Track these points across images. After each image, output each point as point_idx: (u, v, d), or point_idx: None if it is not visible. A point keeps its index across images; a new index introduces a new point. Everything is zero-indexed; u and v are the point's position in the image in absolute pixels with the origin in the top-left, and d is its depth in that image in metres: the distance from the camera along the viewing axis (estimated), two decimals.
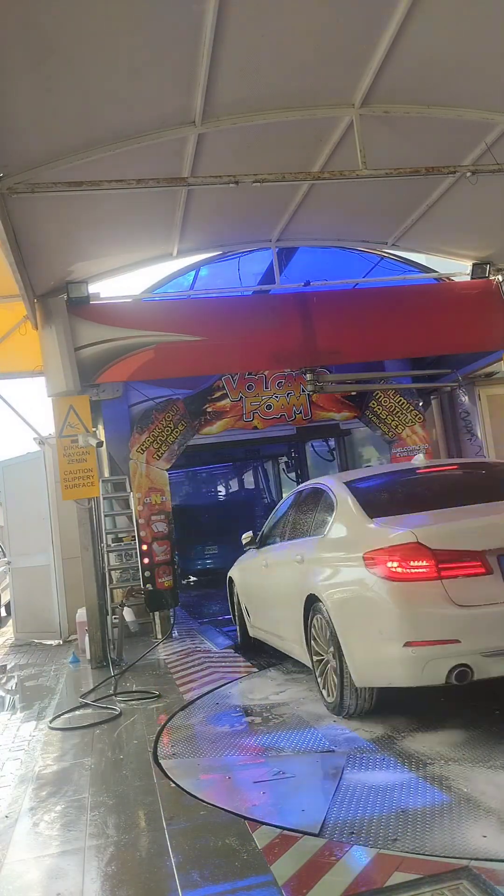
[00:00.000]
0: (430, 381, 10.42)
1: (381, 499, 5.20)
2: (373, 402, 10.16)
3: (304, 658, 5.40)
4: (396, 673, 4.23)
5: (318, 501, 5.60)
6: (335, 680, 4.68)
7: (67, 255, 7.59)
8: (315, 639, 5.06)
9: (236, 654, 7.22)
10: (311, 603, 5.04)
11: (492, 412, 10.42)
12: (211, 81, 5.29)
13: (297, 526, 5.93)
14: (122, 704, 5.76)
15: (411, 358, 10.36)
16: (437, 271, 9.73)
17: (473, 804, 3.22)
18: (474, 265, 9.07)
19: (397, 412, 10.18)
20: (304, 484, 6.69)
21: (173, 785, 3.92)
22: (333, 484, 5.46)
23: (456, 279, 9.51)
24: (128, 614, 8.26)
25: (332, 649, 4.69)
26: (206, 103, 5.55)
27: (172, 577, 8.95)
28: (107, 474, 9.24)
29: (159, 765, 4.25)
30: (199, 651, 7.61)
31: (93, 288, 8.12)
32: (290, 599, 5.42)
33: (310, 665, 5.29)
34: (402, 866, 2.72)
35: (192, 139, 5.99)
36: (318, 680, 5.04)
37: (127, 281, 8.93)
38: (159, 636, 8.63)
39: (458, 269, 9.43)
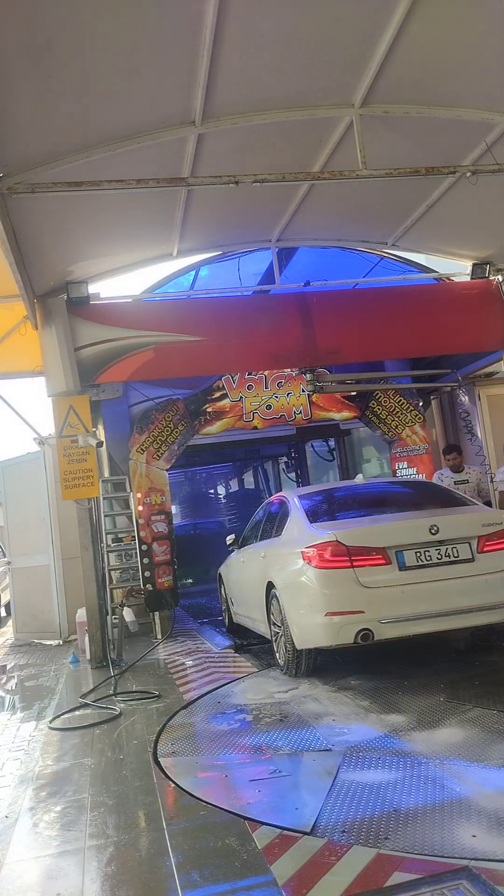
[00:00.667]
0: (429, 382, 10.42)
1: (321, 508, 6.59)
2: (373, 402, 10.17)
3: (267, 632, 6.55)
4: (321, 636, 5.52)
5: (280, 510, 6.89)
6: (285, 646, 5.94)
7: (67, 255, 7.59)
8: (272, 616, 6.27)
9: (236, 654, 7.22)
10: (270, 588, 6.29)
11: (492, 412, 10.42)
12: (211, 81, 5.30)
13: (265, 529, 7.16)
14: (122, 704, 5.76)
15: (411, 358, 10.37)
16: (437, 271, 9.73)
17: (471, 804, 3.21)
18: (474, 265, 9.07)
19: (397, 412, 10.18)
20: (272, 496, 7.93)
21: (173, 785, 3.92)
22: (290, 496, 6.87)
23: (456, 279, 9.52)
24: (128, 614, 8.26)
25: (283, 622, 5.89)
26: (206, 103, 5.55)
27: (172, 577, 8.96)
28: (107, 474, 9.25)
29: (159, 764, 4.25)
30: (200, 651, 7.60)
31: (93, 288, 8.13)
32: (256, 587, 6.71)
33: (270, 637, 6.44)
34: (401, 866, 2.71)
35: (192, 139, 6.00)
36: (275, 648, 6.28)
37: (127, 281, 8.96)
38: (159, 636, 8.63)
39: (457, 269, 9.43)
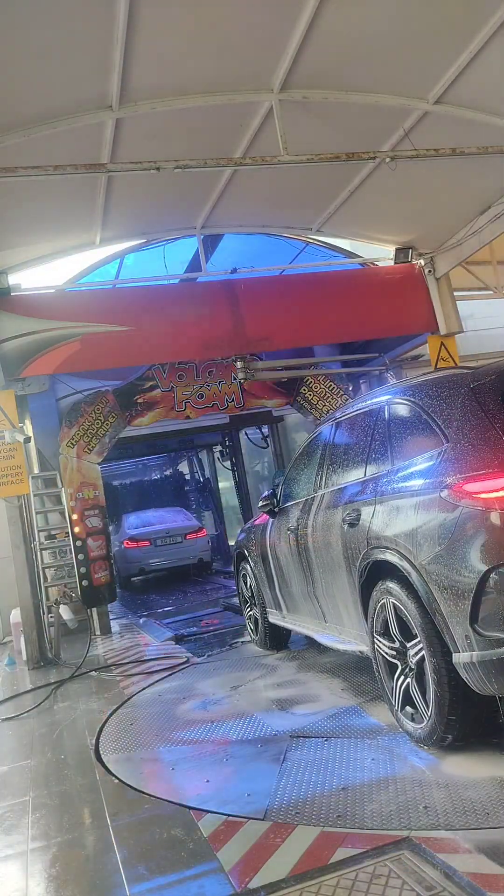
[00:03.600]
0: (358, 366, 10.59)
1: None
2: (304, 387, 10.25)
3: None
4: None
5: None
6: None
7: None
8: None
9: (177, 646, 7.20)
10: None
11: None
12: (127, 65, 5.19)
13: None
14: (64, 704, 5.66)
15: (340, 343, 10.50)
16: (361, 256, 9.85)
17: (410, 778, 3.30)
18: (397, 250, 9.23)
19: (328, 397, 10.30)
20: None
21: (116, 781, 3.88)
22: None
23: (380, 264, 9.66)
24: (64, 612, 8.11)
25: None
26: (123, 87, 5.45)
27: (109, 572, 8.84)
28: (36, 470, 9.01)
29: (102, 761, 4.20)
30: (140, 645, 7.55)
31: (13, 279, 7.89)
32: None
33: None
34: (345, 842, 2.76)
35: (111, 124, 5.87)
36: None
37: (50, 271, 8.74)
38: (98, 632, 8.52)
39: (381, 254, 9.57)
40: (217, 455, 17.63)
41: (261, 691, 5.05)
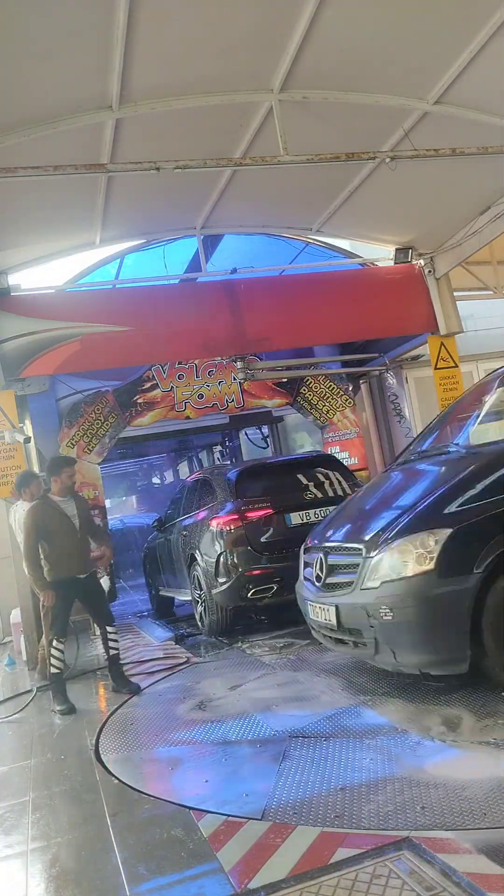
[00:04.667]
0: (358, 366, 10.59)
1: None
2: (304, 388, 10.26)
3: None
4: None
5: None
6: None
7: None
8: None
9: (176, 646, 7.19)
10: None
11: (419, 394, 10.67)
12: (127, 65, 5.19)
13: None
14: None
15: (340, 343, 10.50)
16: (361, 257, 9.85)
17: (408, 778, 3.29)
18: (397, 250, 9.23)
19: (328, 397, 10.31)
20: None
21: (116, 781, 3.88)
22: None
23: (380, 264, 9.66)
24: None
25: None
26: (123, 87, 5.45)
27: (109, 572, 8.82)
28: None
29: (102, 762, 4.20)
30: (140, 645, 7.54)
31: (13, 279, 7.89)
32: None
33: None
34: (345, 842, 2.76)
35: (111, 124, 5.88)
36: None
37: (50, 272, 8.76)
38: (97, 632, 8.50)
39: (381, 254, 9.57)
40: (217, 455, 17.62)
41: (260, 691, 5.05)
